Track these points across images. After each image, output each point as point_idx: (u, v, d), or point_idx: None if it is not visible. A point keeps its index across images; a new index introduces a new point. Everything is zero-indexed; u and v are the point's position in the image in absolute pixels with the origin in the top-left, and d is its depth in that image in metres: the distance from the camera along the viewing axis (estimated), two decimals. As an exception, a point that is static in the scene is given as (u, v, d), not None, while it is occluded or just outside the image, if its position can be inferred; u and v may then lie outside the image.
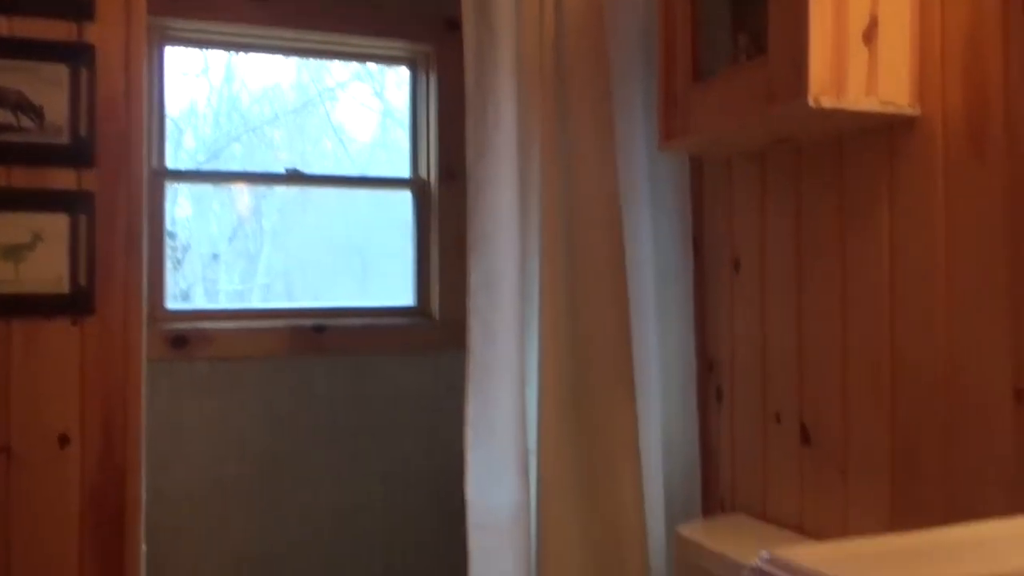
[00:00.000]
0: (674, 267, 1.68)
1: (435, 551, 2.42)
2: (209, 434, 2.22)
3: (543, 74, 1.59)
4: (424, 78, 2.45)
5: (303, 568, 2.29)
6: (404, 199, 2.47)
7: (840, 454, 1.32)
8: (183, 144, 2.27)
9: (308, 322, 2.32)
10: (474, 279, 1.51)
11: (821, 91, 1.14)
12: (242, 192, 2.37)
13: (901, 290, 1.22)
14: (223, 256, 2.38)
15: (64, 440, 1.41)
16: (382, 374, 2.39)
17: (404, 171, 2.49)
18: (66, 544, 1.40)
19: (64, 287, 1.42)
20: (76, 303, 1.43)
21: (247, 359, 2.26)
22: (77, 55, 1.43)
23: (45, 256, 1.41)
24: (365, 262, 2.50)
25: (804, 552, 0.79)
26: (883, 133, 1.25)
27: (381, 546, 2.37)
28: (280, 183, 2.33)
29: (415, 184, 2.45)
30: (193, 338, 2.17)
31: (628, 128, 1.65)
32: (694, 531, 1.43)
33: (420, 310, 2.50)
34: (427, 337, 2.44)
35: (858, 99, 1.16)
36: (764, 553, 0.80)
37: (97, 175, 1.45)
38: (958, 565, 0.77)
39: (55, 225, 1.42)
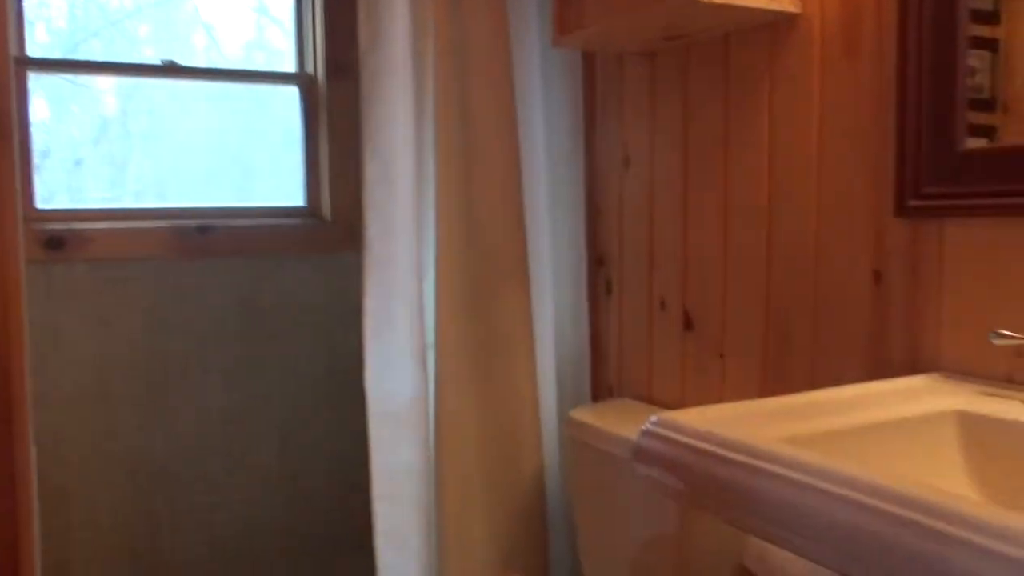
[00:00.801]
0: (566, 162, 1.72)
1: (330, 450, 2.45)
2: (92, 338, 2.15)
3: (437, -37, 1.56)
4: (308, -33, 2.34)
5: (196, 471, 2.28)
6: (286, 96, 2.39)
7: (719, 337, 1.41)
8: (35, 38, 2.10)
9: (192, 223, 2.25)
10: (370, 172, 1.51)
11: (711, -14, 1.18)
12: (108, 89, 2.23)
13: (778, 182, 1.30)
14: (87, 162, 2.24)
15: (-62, 341, 1.34)
16: (272, 276, 2.35)
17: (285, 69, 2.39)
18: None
19: (-75, 179, 1.32)
20: (-60, 196, 1.33)
21: (128, 261, 2.18)
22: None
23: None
24: (246, 165, 2.41)
25: (687, 414, 0.87)
26: (766, 30, 1.30)
27: (276, 447, 2.38)
28: (155, 76, 2.21)
29: (302, 80, 2.37)
30: (70, 239, 2.06)
31: (522, 24, 1.65)
32: (584, 414, 1.51)
33: (310, 210, 2.46)
34: (318, 238, 2.41)
35: (745, -5, 1.21)
36: (653, 417, 0.87)
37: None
38: (823, 419, 0.86)
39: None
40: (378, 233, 1.51)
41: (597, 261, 1.72)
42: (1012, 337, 0.93)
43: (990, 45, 1.02)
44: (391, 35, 1.50)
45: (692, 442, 0.81)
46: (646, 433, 0.86)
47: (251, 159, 2.41)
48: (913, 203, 1.07)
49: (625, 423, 1.43)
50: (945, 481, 0.86)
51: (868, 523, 0.63)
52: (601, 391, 1.72)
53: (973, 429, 0.88)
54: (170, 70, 2.18)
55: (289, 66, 2.37)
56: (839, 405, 0.92)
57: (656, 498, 1.30)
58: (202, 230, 2.25)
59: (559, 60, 1.70)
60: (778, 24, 1.28)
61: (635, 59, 1.59)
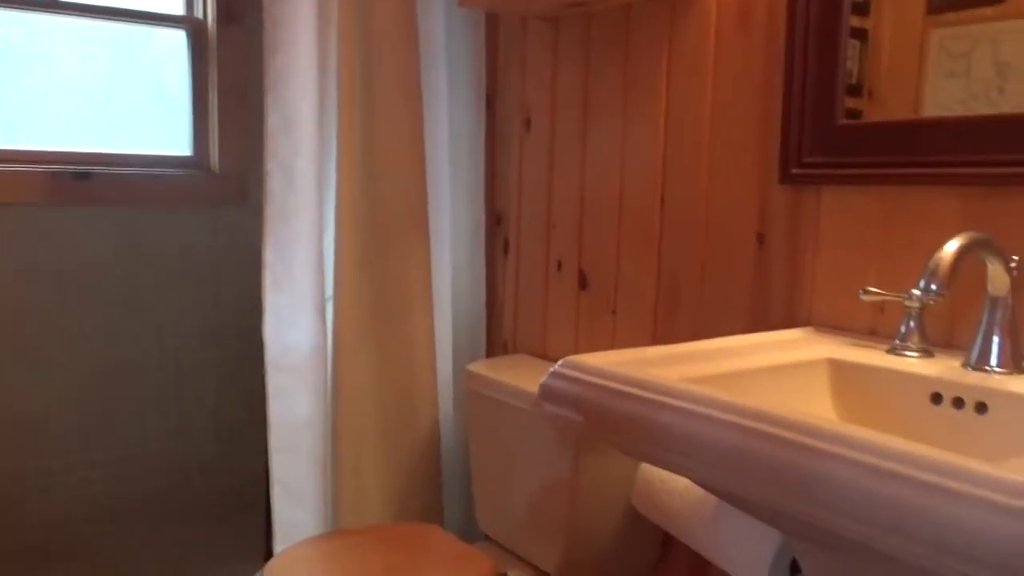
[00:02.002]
0: (467, 123, 1.74)
1: (215, 407, 2.40)
2: (-43, 286, 2.02)
3: (344, -87, 1.54)
4: (201, -94, 2.24)
5: (75, 426, 2.19)
6: (166, 41, 2.29)
7: (612, 295, 1.49)
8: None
9: (69, 168, 2.14)
10: (272, 121, 1.49)
11: (619, -44, 1.23)
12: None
13: (672, 148, 1.38)
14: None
15: None
16: (157, 227, 2.27)
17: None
18: None
19: None
20: None
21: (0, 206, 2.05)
22: None
23: None
24: (128, 111, 2.30)
25: (593, 356, 0.92)
26: (666, 1, 1.37)
27: (156, 402, 2.31)
28: (28, 8, 2.07)
29: (190, 24, 2.29)
30: (-68, 179, 1.93)
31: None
32: (481, 366, 1.56)
33: (197, 161, 2.38)
34: (205, 190, 2.34)
35: (649, -33, 1.27)
36: (561, 360, 0.92)
37: None
38: (711, 363, 0.94)
39: None
40: (279, 184, 1.49)
41: (495, 220, 1.76)
42: (877, 293, 1.03)
43: (860, 35, 1.12)
44: (296, -17, 1.48)
45: (596, 380, 0.87)
46: (554, 374, 0.91)
47: (134, 105, 2.30)
48: (795, 171, 1.16)
49: (521, 375, 1.49)
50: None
51: (750, 443, 0.70)
52: (497, 347, 1.77)
53: (841, 373, 0.99)
54: (45, 4, 2.06)
55: (176, 7, 2.28)
56: (725, 352, 1.00)
57: (550, 445, 1.37)
58: (80, 176, 2.14)
59: (463, 19, 1.72)
60: (677, -2, 1.35)
61: (538, 23, 1.63)
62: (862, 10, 1.11)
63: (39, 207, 2.11)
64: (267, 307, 1.50)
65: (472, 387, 1.54)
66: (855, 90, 1.12)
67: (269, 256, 1.50)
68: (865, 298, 1.04)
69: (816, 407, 0.97)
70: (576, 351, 1.57)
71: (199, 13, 2.29)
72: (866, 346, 1.04)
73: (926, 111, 1.04)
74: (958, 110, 1.01)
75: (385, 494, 1.62)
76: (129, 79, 2.28)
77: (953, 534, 0.56)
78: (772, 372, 0.96)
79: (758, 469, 0.70)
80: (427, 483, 1.68)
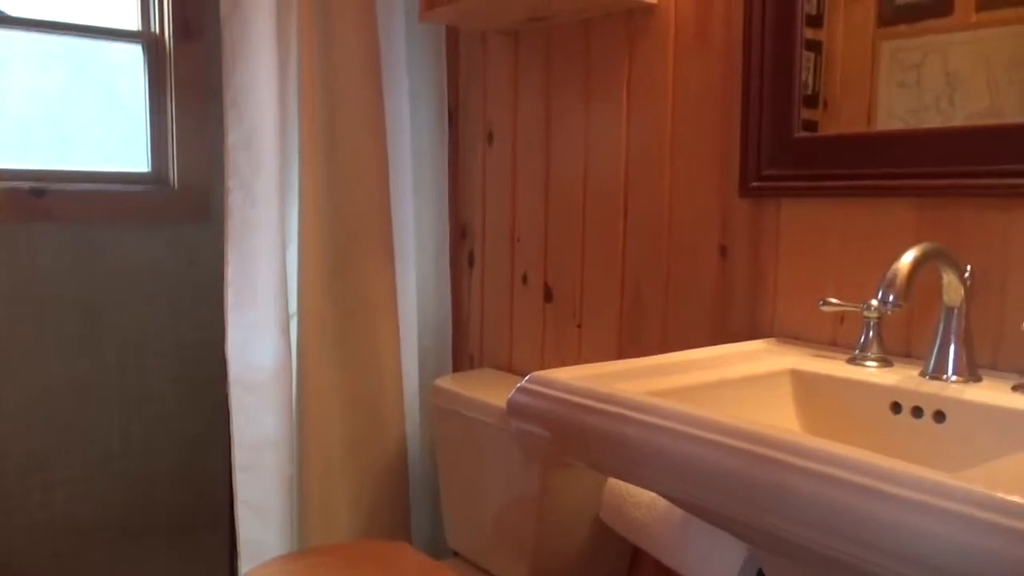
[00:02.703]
0: (430, 138, 1.74)
1: (178, 426, 2.37)
2: (-93, 308, 1.97)
3: (303, -72, 1.53)
4: (157, -82, 2.22)
5: (34, 447, 2.14)
6: (122, 54, 2.26)
7: (578, 308, 1.49)
8: None
9: (25, 184, 2.10)
10: (233, 138, 1.47)
11: (577, -27, 1.24)
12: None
13: (634, 158, 1.39)
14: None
15: None
16: (115, 245, 2.23)
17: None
18: None
19: None
20: None
21: (-51, 225, 2.01)
22: None
23: None
24: (83, 127, 2.26)
25: (559, 372, 0.93)
26: (625, 17, 1.38)
27: (120, 424, 2.27)
28: (-18, 24, 2.03)
29: (146, 38, 2.26)
30: None
31: (388, -4, 1.66)
32: (447, 382, 1.56)
33: (155, 176, 2.35)
34: (165, 206, 2.31)
35: (608, -16, 1.28)
36: (527, 375, 0.92)
37: None
38: (677, 377, 0.95)
39: None
40: (240, 201, 1.48)
41: (460, 234, 1.76)
42: (837, 304, 1.05)
43: (815, 47, 1.14)
44: (253, 1, 1.47)
45: (563, 395, 0.87)
46: (520, 389, 0.91)
47: (89, 121, 2.27)
48: (755, 184, 1.18)
49: (487, 390, 1.48)
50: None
51: (715, 457, 0.71)
52: (463, 361, 1.77)
53: (804, 384, 1.00)
54: (-1, 19, 2.02)
55: (132, 22, 2.25)
56: (690, 365, 1.01)
57: (517, 460, 1.37)
58: (36, 193, 2.10)
59: (424, 33, 1.72)
60: (635, 12, 1.37)
61: (498, 38, 1.64)
62: (816, 23, 1.13)
63: (-7, 225, 2.07)
64: (230, 325, 1.48)
65: (439, 403, 1.53)
66: (811, 101, 1.15)
67: (231, 273, 1.48)
68: (825, 309, 1.06)
69: (780, 418, 0.98)
70: (542, 365, 1.57)
71: (155, 28, 2.27)
72: (827, 356, 1.06)
73: (880, 122, 1.07)
74: (911, 121, 1.03)
75: (352, 511, 1.61)
76: (84, 94, 2.24)
77: (915, 544, 0.57)
78: (737, 384, 0.97)
79: (723, 482, 0.71)
80: (395, 499, 1.67)
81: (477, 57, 1.69)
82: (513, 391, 0.92)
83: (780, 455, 0.67)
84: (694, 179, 1.29)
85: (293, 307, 1.57)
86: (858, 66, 1.09)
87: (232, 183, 1.47)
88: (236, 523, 1.48)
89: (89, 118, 2.25)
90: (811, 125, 1.14)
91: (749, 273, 1.22)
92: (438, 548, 1.70)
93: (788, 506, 0.65)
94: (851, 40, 1.10)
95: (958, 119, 0.99)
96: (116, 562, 2.23)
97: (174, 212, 2.33)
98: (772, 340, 1.16)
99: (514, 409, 0.91)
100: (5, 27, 2.08)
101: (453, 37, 1.75)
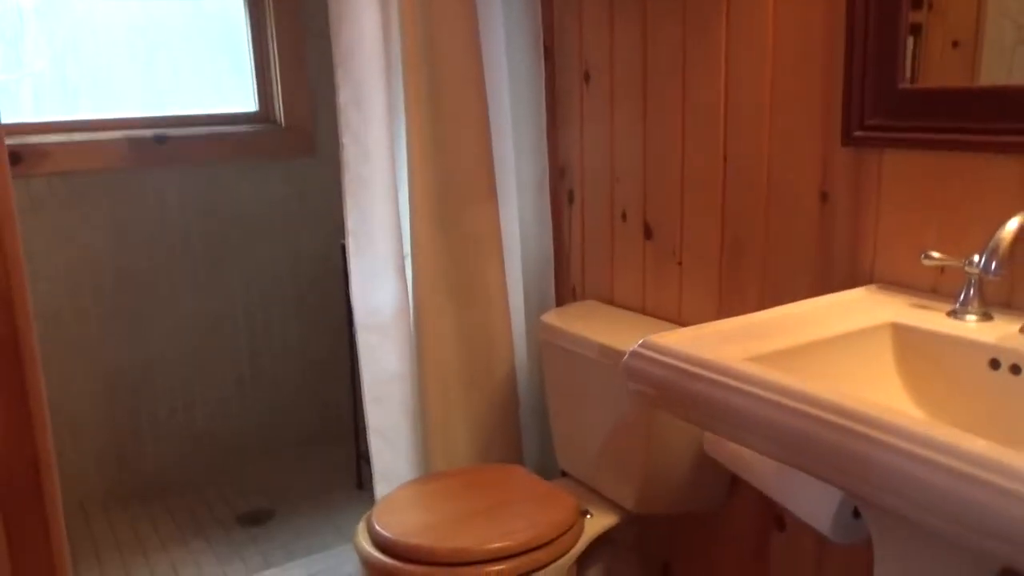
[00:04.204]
0: (528, 78, 1.78)
1: (300, 350, 2.56)
2: (58, 252, 2.17)
3: None
4: None
5: (172, 377, 2.37)
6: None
7: (677, 247, 1.55)
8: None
9: (148, 132, 2.24)
10: (343, 96, 1.55)
11: (678, -78, 1.24)
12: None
13: (733, 100, 1.40)
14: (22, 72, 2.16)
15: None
16: (232, 183, 2.38)
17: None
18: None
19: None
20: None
21: (86, 173, 2.18)
22: None
23: None
24: (190, 67, 2.37)
25: (667, 337, 1.00)
26: (725, -41, 1.37)
27: (247, 351, 2.48)
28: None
29: (247, -20, 2.33)
30: (27, 154, 2.05)
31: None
32: (552, 317, 1.65)
33: (263, 115, 2.46)
34: (274, 144, 2.43)
35: (709, -71, 1.27)
36: (640, 340, 1.00)
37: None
38: (776, 338, 1.01)
39: None
40: (354, 155, 1.57)
41: (559, 172, 1.82)
42: (939, 258, 1.08)
43: None
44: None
45: (672, 362, 0.95)
46: (634, 354, 0.99)
47: (198, 66, 2.37)
48: (857, 134, 1.19)
49: (591, 325, 1.57)
50: (880, 384, 1.03)
51: (809, 428, 0.79)
52: (565, 293, 1.85)
53: (904, 338, 1.05)
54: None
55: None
56: (792, 321, 1.07)
57: (624, 393, 1.46)
58: (159, 140, 2.25)
59: (519, -28, 1.73)
60: (736, -48, 1.35)
61: (595, -25, 1.64)
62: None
63: (124, 172, 2.23)
64: (352, 271, 1.60)
65: (545, 337, 1.63)
66: (916, 2, 1.12)
67: (351, 223, 1.59)
68: (927, 263, 1.09)
69: (881, 375, 1.03)
70: (643, 300, 1.64)
71: (254, -33, 2.33)
72: (928, 307, 1.09)
73: (990, 22, 1.03)
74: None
75: (470, 437, 1.75)
76: (189, 43, 2.34)
77: (998, 522, 0.64)
78: (838, 342, 1.03)
79: (813, 449, 0.79)
80: (507, 425, 1.81)
81: (572, -6, 1.70)
82: (627, 355, 1.00)
83: (864, 429, 0.75)
84: (795, 124, 1.31)
85: (407, 248, 1.68)
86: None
87: (346, 139, 1.56)
88: (369, 450, 1.64)
89: (198, 65, 2.36)
90: (916, 28, 1.12)
91: (850, 220, 1.25)
92: (547, 469, 1.84)
93: (874, 476, 0.73)
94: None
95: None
96: (253, 471, 2.48)
97: (283, 149, 2.45)
98: (873, 287, 1.20)
99: (628, 372, 0.99)
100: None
101: (548, -25, 1.75)
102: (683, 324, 1.55)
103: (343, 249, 1.62)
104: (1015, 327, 1.00)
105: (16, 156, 2.01)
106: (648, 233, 1.61)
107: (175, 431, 2.43)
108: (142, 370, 2.35)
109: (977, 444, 0.69)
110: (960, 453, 0.68)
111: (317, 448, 2.59)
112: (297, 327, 2.58)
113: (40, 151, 2.10)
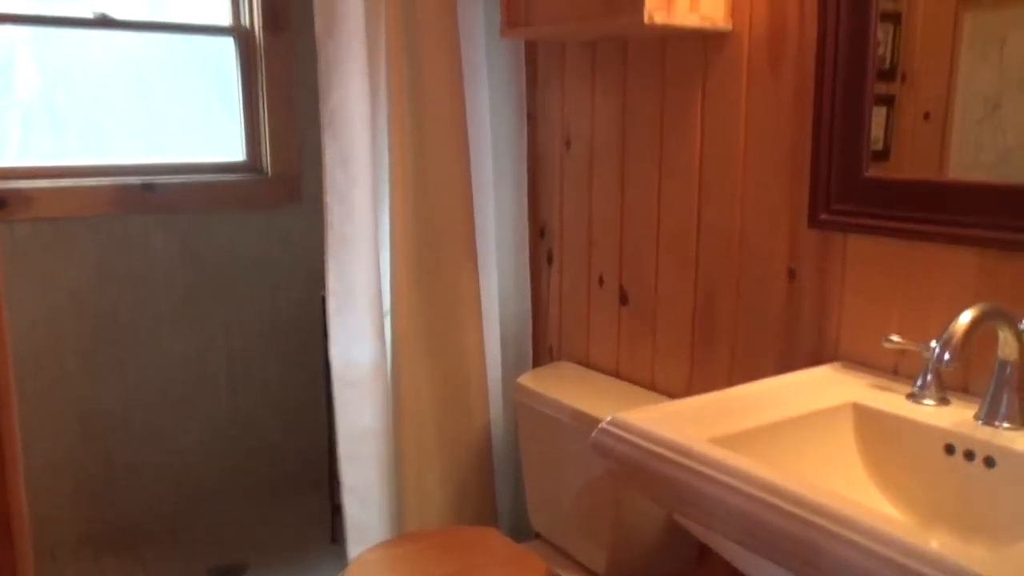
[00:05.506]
0: (510, 143, 1.83)
1: (279, 396, 2.57)
2: (40, 295, 2.18)
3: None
4: (246, -79, 2.31)
5: (149, 419, 2.37)
6: (222, 50, 2.39)
7: (651, 315, 1.58)
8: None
9: (135, 180, 2.27)
10: (329, 156, 1.59)
11: (655, 8, 1.29)
12: (28, 41, 2.18)
13: (708, 174, 1.45)
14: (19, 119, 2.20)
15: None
16: (217, 231, 2.41)
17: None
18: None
19: None
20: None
21: (72, 220, 2.20)
22: None
23: None
24: (182, 119, 2.41)
25: (635, 414, 1.03)
26: (701, 40, 1.43)
27: (226, 395, 2.48)
28: (87, 27, 2.18)
29: (238, 32, 2.38)
30: (11, 199, 2.07)
31: (469, 11, 1.73)
32: (528, 379, 1.67)
33: (251, 165, 2.50)
34: (260, 192, 2.46)
35: (684, 16, 1.33)
36: (609, 417, 1.03)
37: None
38: (740, 417, 1.04)
39: None
40: (338, 216, 1.60)
41: (539, 233, 1.86)
42: (899, 343, 1.12)
43: (892, 18, 1.15)
44: (347, 23, 1.56)
45: (638, 441, 0.98)
46: (602, 431, 1.02)
47: (187, 113, 2.41)
48: (823, 217, 1.24)
49: (566, 389, 1.60)
50: (841, 464, 1.06)
51: (763, 514, 0.82)
52: (543, 353, 1.88)
53: (865, 419, 1.08)
54: (102, 23, 2.17)
55: (223, 18, 2.37)
56: (754, 402, 1.10)
57: (596, 459, 1.49)
58: (147, 187, 2.27)
59: (503, 44, 1.79)
60: (711, 38, 1.41)
61: (576, 48, 1.70)
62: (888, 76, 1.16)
63: (109, 218, 2.25)
64: (332, 329, 1.62)
65: (521, 399, 1.66)
66: (888, 75, 1.17)
67: (331, 283, 1.61)
68: (887, 346, 1.13)
69: (842, 454, 1.07)
70: (618, 366, 1.67)
71: (246, 22, 2.38)
72: (888, 388, 1.13)
73: (959, 95, 1.08)
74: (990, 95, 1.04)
75: (444, 495, 1.76)
76: (183, 88, 2.38)
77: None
78: (801, 421, 1.06)
79: (768, 536, 0.81)
80: (481, 482, 1.82)
81: (555, 66, 1.76)
82: (596, 431, 1.03)
83: (816, 518, 0.78)
84: (766, 200, 1.35)
85: (386, 305, 1.71)
86: (938, 38, 1.09)
87: (330, 199, 1.59)
88: (343, 508, 1.65)
89: (187, 111, 2.40)
90: (888, 99, 1.17)
91: (816, 298, 1.29)
92: (521, 528, 1.85)
93: (825, 565, 0.76)
94: (930, 10, 1.10)
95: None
96: (228, 519, 2.47)
97: (269, 197, 2.48)
98: (837, 365, 1.24)
99: (597, 448, 1.02)
100: (115, 29, 2.22)
101: (532, 48, 1.81)
102: (656, 390, 1.59)
103: (323, 301, 1.65)
104: (970, 413, 1.03)
105: (1, 201, 2.03)
106: (624, 299, 1.65)
107: (150, 472, 2.42)
108: (119, 412, 2.34)
109: (930, 543, 0.72)
110: (910, 550, 0.71)
111: (293, 497, 2.59)
112: (276, 373, 2.59)
113: (26, 196, 2.12)
